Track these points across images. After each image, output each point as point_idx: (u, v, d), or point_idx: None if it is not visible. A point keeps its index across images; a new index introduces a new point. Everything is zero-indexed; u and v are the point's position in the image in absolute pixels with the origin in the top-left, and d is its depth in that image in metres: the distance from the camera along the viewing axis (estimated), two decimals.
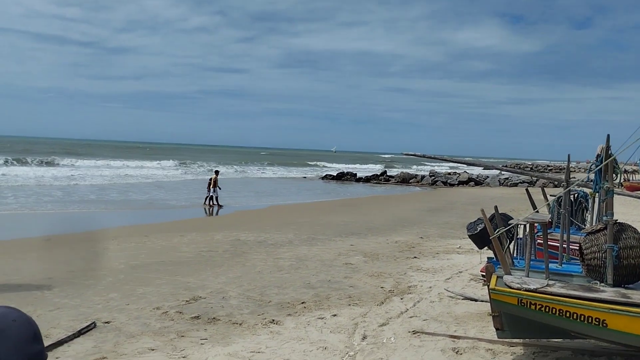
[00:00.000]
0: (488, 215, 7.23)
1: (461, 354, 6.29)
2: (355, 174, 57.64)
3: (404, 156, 11.61)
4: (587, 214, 10.32)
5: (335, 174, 57.10)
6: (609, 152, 6.46)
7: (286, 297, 8.97)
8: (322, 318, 7.79)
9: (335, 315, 7.95)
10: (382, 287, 9.71)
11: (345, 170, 60.68)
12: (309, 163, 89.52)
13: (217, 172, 27.84)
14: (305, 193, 36.33)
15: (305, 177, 57.92)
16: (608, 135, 6.45)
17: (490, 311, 6.05)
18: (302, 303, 8.63)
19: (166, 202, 26.55)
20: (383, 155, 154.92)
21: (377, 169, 73.56)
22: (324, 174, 59.69)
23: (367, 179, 54.14)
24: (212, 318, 7.78)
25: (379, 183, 51.88)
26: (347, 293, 9.29)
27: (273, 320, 7.67)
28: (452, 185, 49.45)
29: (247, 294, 9.11)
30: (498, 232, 6.10)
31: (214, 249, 13.51)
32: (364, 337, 6.93)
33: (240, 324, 7.52)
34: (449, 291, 9.22)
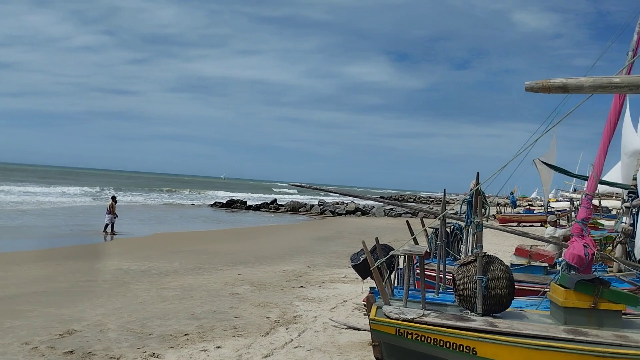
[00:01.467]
0: (370, 246, 7.49)
1: None
2: (245, 201, 57.43)
3: (298, 187, 11.76)
4: (462, 245, 10.92)
5: (224, 202, 56.56)
6: (479, 188, 6.95)
7: (169, 329, 8.71)
8: (206, 350, 7.64)
9: (219, 347, 7.83)
10: (267, 317, 9.69)
11: (235, 198, 60.28)
12: (199, 190, 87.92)
13: (114, 198, 26.64)
14: (193, 221, 35.64)
15: (193, 204, 56.84)
16: (478, 173, 6.95)
17: (371, 341, 6.21)
18: (185, 335, 8.42)
19: (45, 229, 24.98)
20: (274, 184, 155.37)
21: (267, 197, 73.69)
22: (213, 202, 58.86)
23: (257, 207, 54.10)
24: (88, 353, 7.39)
25: (269, 211, 51.98)
26: (233, 324, 9.19)
27: (153, 353, 7.43)
28: (340, 214, 50.52)
29: (127, 326, 8.76)
30: (377, 263, 6.33)
31: (93, 278, 12.89)
32: None
33: (118, 359, 7.20)
34: (333, 321, 9.38)
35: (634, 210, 10.80)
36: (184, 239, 24.05)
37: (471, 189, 7.40)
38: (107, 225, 24.82)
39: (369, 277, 8.89)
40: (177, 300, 10.95)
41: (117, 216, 25.21)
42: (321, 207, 53.49)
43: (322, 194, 79.65)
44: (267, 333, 8.66)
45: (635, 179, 10.98)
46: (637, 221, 10.54)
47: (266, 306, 10.60)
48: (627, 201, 11.26)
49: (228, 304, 10.73)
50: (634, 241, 10.40)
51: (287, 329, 8.94)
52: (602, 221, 23.44)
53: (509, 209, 44.21)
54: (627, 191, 11.78)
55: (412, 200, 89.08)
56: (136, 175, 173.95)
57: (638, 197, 10.51)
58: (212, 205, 55.18)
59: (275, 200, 59.63)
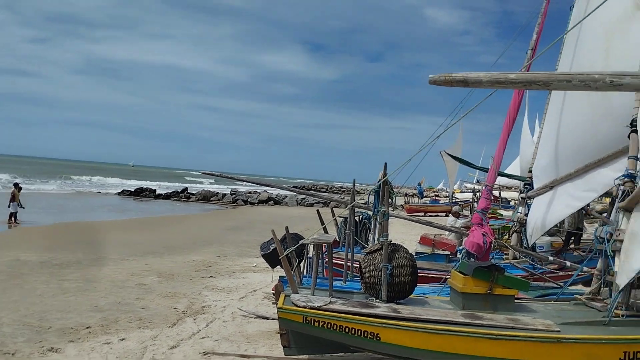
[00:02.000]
0: (281, 235, 7.53)
1: None
2: (155, 190, 55.97)
3: (209, 175, 11.62)
4: (370, 234, 11.18)
5: (133, 190, 54.82)
6: (386, 179, 7.14)
7: (69, 322, 8.37)
8: (109, 343, 7.42)
9: (123, 339, 7.62)
10: (175, 308, 9.53)
11: (144, 186, 58.57)
12: (106, 177, 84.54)
13: (16, 186, 25.12)
14: (99, 210, 34.33)
15: (99, 192, 54.76)
16: (385, 164, 7.14)
17: (279, 329, 6.26)
18: (87, 328, 8.13)
19: None
20: (189, 172, 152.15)
21: (177, 185, 72.04)
22: (120, 190, 56.89)
23: (168, 196, 52.85)
24: None
25: (179, 200, 50.91)
26: (138, 315, 8.96)
27: (52, 348, 7.12)
28: (252, 204, 50.29)
29: (24, 320, 8.34)
30: (286, 252, 6.38)
31: None
32: None
33: (12, 354, 6.84)
34: (242, 310, 9.35)
35: (528, 201, 11.46)
36: (88, 228, 23.09)
37: (379, 180, 7.59)
38: (11, 214, 23.62)
39: (279, 266, 8.95)
40: (80, 292, 10.53)
41: (23, 206, 23.95)
42: (233, 196, 52.99)
43: (236, 183, 78.94)
44: (174, 324, 8.51)
45: (530, 171, 11.64)
46: (530, 211, 11.21)
47: (174, 297, 10.41)
48: (523, 192, 11.94)
49: (134, 295, 10.45)
50: (527, 230, 11.06)
51: (194, 319, 8.83)
52: (501, 211, 24.72)
53: (416, 200, 45.72)
54: (523, 183, 12.48)
55: (325, 190, 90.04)
56: (38, 161, 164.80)
57: (532, 188, 11.16)
58: (119, 194, 53.32)
59: (186, 188, 58.46)
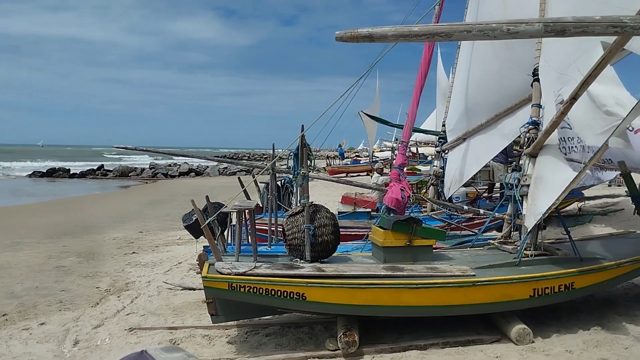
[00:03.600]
0: (202, 206, 7.44)
1: (178, 344, 6.35)
2: (69, 169, 53.66)
3: (123, 149, 11.26)
4: (292, 198, 11.24)
5: (45, 171, 52.33)
6: (304, 141, 7.17)
7: None
8: (28, 329, 7.15)
9: (43, 323, 7.36)
10: (97, 287, 9.29)
11: (57, 166, 56.05)
12: (13, 158, 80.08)
13: None
14: (9, 194, 32.61)
15: (8, 176, 51.96)
16: (302, 126, 7.15)
17: (205, 298, 6.24)
18: (4, 315, 7.79)
19: None
20: (100, 149, 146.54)
21: (93, 163, 69.37)
22: (31, 171, 54.16)
23: (83, 174, 50.86)
24: None
25: (96, 178, 49.13)
26: (58, 298, 8.67)
27: None
28: (173, 176, 49.29)
29: None
30: (207, 221, 6.33)
31: None
32: (76, 343, 6.56)
33: None
34: (167, 283, 9.23)
35: (444, 154, 11.84)
36: None
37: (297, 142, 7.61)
38: None
39: (202, 237, 8.87)
40: None
41: None
42: (153, 170, 51.70)
43: (155, 157, 76.85)
44: (97, 303, 8.30)
45: (444, 125, 12.00)
46: (446, 164, 11.60)
47: (95, 276, 10.13)
48: (438, 146, 12.32)
49: (52, 278, 10.09)
50: (445, 183, 11.46)
51: (118, 297, 8.64)
52: (419, 167, 25.43)
53: (337, 161, 46.27)
54: (437, 137, 12.88)
55: (247, 158, 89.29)
56: None
57: (446, 142, 11.54)
58: (30, 176, 50.75)
59: (102, 166, 56.39)
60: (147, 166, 54.90)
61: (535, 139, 6.86)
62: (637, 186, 7.84)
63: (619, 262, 6.58)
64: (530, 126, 7.13)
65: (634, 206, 8.03)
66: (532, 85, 7.49)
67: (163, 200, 26.33)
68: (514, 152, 12.69)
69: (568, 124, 9.11)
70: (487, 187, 15.23)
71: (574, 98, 5.81)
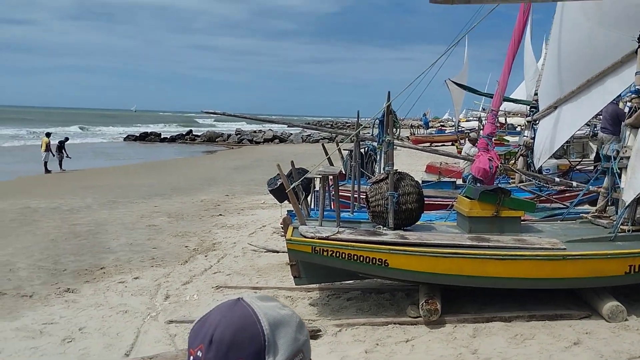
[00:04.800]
0: (287, 171, 7.55)
1: None
2: (160, 134, 55.91)
3: (211, 115, 11.57)
4: (376, 166, 11.18)
5: (138, 135, 54.78)
6: (390, 108, 7.06)
7: (83, 264, 8.53)
8: (123, 282, 7.57)
9: (137, 278, 7.77)
10: (186, 247, 9.68)
11: (149, 130, 58.51)
12: (110, 123, 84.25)
13: (48, 135, 25.47)
14: (105, 155, 34.42)
15: (104, 140, 54.74)
16: (389, 92, 7.04)
17: (289, 260, 6.35)
18: (102, 269, 8.29)
19: None
20: (188, 114, 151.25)
21: (182, 128, 71.82)
22: (126, 135, 56.84)
23: (173, 139, 52.83)
24: None
25: (184, 143, 50.89)
26: (150, 255, 9.11)
27: (68, 289, 7.27)
28: (258, 142, 50.21)
29: (39, 264, 8.49)
30: (292, 185, 6.40)
31: None
32: (167, 297, 6.90)
33: (30, 296, 7.00)
34: (252, 245, 9.49)
35: (534, 124, 11.36)
36: (95, 174, 23.24)
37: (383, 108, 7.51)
38: (60, 161, 24.82)
39: (286, 201, 9.03)
40: (92, 235, 10.68)
41: (69, 156, 25.22)
42: (238, 136, 52.88)
43: (240, 122, 78.54)
44: (186, 261, 8.66)
45: (536, 94, 11.48)
46: (536, 135, 11.12)
47: (184, 236, 10.55)
48: (529, 116, 11.82)
49: (145, 236, 10.60)
50: (534, 153, 11.00)
51: (206, 256, 8.97)
52: (507, 137, 24.57)
53: (422, 131, 45.49)
54: (529, 106, 12.35)
55: (330, 126, 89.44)
56: (42, 110, 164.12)
57: (538, 111, 11.04)
58: (125, 139, 53.30)
59: (190, 131, 58.31)
60: (234, 132, 56.19)
61: (638, 108, 6.43)
62: None
63: None
64: (633, 95, 6.68)
65: None
66: (636, 51, 6.99)
67: (248, 165, 26.92)
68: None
69: None
70: (580, 159, 14.54)
71: None
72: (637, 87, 6.66)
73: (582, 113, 9.59)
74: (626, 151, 6.34)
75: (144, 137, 53.06)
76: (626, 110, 6.80)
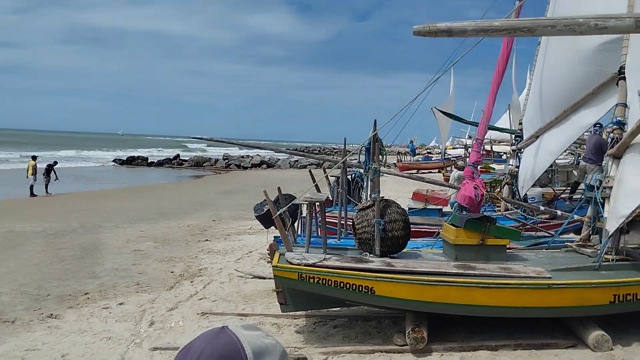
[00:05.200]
0: (274, 197, 7.56)
1: None
2: (147, 157, 55.75)
3: (199, 140, 11.61)
4: (362, 193, 11.22)
5: (125, 159, 54.59)
6: (376, 136, 7.14)
7: (67, 289, 8.44)
8: (107, 308, 7.49)
9: (121, 303, 7.70)
10: (172, 272, 9.61)
11: (136, 154, 58.34)
12: (96, 147, 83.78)
13: (34, 158, 25.22)
14: (92, 179, 34.21)
15: (90, 164, 54.41)
16: (375, 121, 7.12)
17: (275, 287, 6.34)
18: (86, 294, 8.20)
19: None
20: (177, 139, 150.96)
21: (170, 152, 71.61)
22: (112, 159, 56.60)
23: (160, 163, 52.69)
24: None
25: (172, 167, 50.77)
26: (136, 280, 9.03)
27: (52, 314, 7.18)
28: (245, 168, 50.22)
29: (22, 289, 8.39)
30: (279, 212, 6.42)
31: None
32: (152, 323, 6.83)
33: (12, 322, 6.90)
34: (238, 271, 9.44)
35: (519, 153, 11.50)
36: (82, 198, 23.08)
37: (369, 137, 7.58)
38: (46, 185, 24.84)
39: (273, 227, 9.02)
40: (76, 260, 10.58)
41: (57, 178, 25.19)
42: (226, 161, 52.86)
43: (228, 147, 78.46)
44: (172, 287, 8.59)
45: (521, 123, 11.65)
46: (521, 163, 11.26)
47: (170, 261, 10.49)
48: (514, 144, 11.98)
49: (130, 260, 10.52)
50: (519, 182, 11.14)
51: (192, 282, 8.92)
52: (493, 165, 24.80)
53: (408, 157, 45.79)
54: (513, 135, 12.51)
55: (318, 152, 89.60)
56: (29, 133, 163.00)
57: (522, 140, 11.19)
58: (112, 162, 53.06)
59: (178, 155, 58.23)
60: (221, 157, 56.16)
61: (620, 139, 6.56)
62: None
63: None
64: (615, 126, 6.82)
65: None
66: (617, 83, 7.17)
67: (235, 190, 26.88)
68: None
69: None
70: (565, 187, 14.69)
71: None
72: (618, 118, 6.81)
73: (559, 142, 9.85)
74: (609, 181, 6.43)
75: (130, 161, 52.90)
76: (609, 140, 6.91)
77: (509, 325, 6.20)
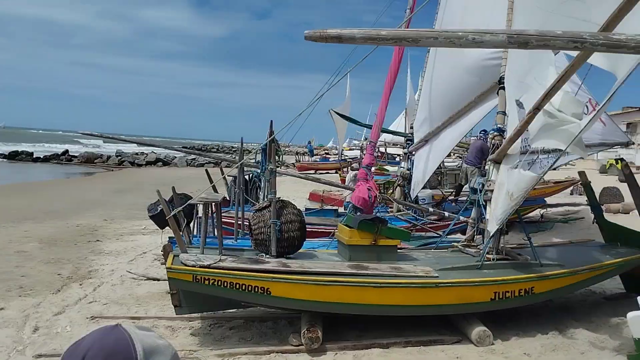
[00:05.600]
0: (169, 196, 7.42)
1: None
2: (32, 153, 52.54)
3: (89, 135, 11.12)
4: (260, 193, 11.23)
5: (7, 153, 51.13)
6: (273, 137, 7.20)
7: None
8: None
9: (2, 309, 7.23)
10: (59, 274, 9.15)
11: (20, 149, 54.84)
12: None
13: None
14: None
15: None
16: (271, 122, 7.19)
17: (169, 289, 6.23)
18: None
19: None
20: (68, 133, 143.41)
21: (58, 147, 67.92)
22: None
23: (47, 159, 49.86)
24: None
25: (60, 163, 48.19)
26: (18, 283, 8.52)
27: None
28: (140, 165, 48.68)
29: None
30: (173, 212, 6.32)
31: None
32: (36, 329, 6.48)
33: None
34: (131, 273, 9.16)
35: (411, 156, 11.99)
36: None
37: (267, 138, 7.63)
38: None
39: (167, 227, 8.84)
40: None
41: None
42: (119, 157, 50.98)
43: (121, 144, 75.64)
44: (59, 290, 8.19)
45: (412, 127, 12.14)
46: (413, 166, 11.75)
47: (57, 263, 9.98)
48: (406, 148, 12.47)
49: (13, 263, 9.90)
50: (411, 184, 11.61)
51: (81, 284, 8.54)
52: (387, 167, 25.62)
53: (307, 158, 46.32)
54: (405, 138, 13.02)
55: (216, 150, 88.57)
56: None
57: (413, 143, 11.68)
58: None
59: (67, 151, 55.35)
60: (114, 154, 54.05)
61: (500, 145, 7.02)
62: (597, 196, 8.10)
63: (577, 269, 6.79)
64: (495, 133, 7.29)
65: (593, 215, 8.28)
66: (497, 92, 7.67)
67: (129, 189, 26.00)
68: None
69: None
70: (453, 189, 15.46)
71: (537, 109, 5.95)
72: (498, 125, 7.29)
73: (444, 146, 10.47)
74: (490, 185, 6.87)
75: (13, 156, 49.63)
76: (490, 146, 7.38)
77: (400, 323, 6.46)
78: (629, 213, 12.17)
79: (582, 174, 8.19)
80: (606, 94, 5.71)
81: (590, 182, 8.17)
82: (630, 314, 3.85)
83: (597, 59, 5.90)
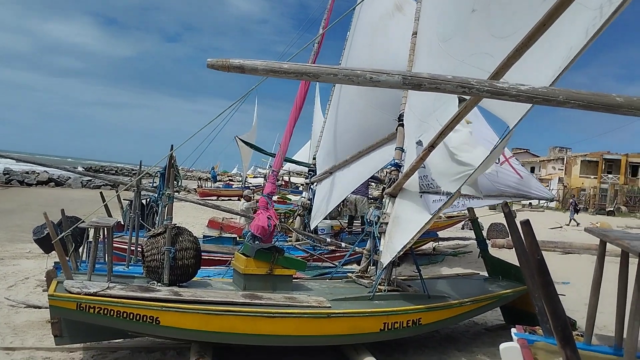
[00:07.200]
0: (58, 219, 7.05)
1: None
2: None
3: None
4: (157, 218, 10.92)
5: None
6: (173, 161, 7.06)
7: None
8: None
9: None
10: None
11: None
12: None
13: None
14: None
15: None
16: (172, 145, 7.04)
17: (50, 318, 5.86)
18: None
19: None
20: None
21: None
22: None
23: None
24: None
25: None
26: None
27: None
28: (30, 185, 45.96)
29: None
30: (60, 236, 6.00)
31: None
32: None
33: None
34: (9, 299, 8.56)
35: (312, 186, 12.13)
36: None
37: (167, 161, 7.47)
38: None
39: (54, 252, 8.36)
40: None
41: None
42: (7, 176, 47.84)
43: (11, 161, 71.13)
44: None
45: (314, 157, 12.32)
46: (314, 196, 11.89)
47: None
48: (307, 178, 12.61)
49: None
50: (312, 214, 11.73)
51: None
52: (290, 196, 25.75)
53: (209, 184, 45.69)
54: (307, 169, 13.18)
55: (115, 172, 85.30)
56: None
57: (316, 174, 11.85)
58: None
59: None
60: (1, 171, 50.71)
61: (396, 180, 7.27)
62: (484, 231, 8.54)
63: (462, 301, 7.09)
64: (393, 167, 7.55)
65: (479, 250, 8.72)
66: (397, 129, 7.97)
67: (14, 210, 24.44)
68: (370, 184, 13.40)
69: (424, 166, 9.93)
70: (353, 219, 15.75)
71: (432, 146, 6.23)
72: (396, 160, 7.55)
73: (352, 180, 10.66)
74: (385, 217, 7.07)
75: None
76: (386, 180, 7.61)
77: (291, 353, 6.44)
78: (511, 248, 12.91)
79: (470, 210, 8.62)
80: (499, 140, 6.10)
81: (477, 217, 8.62)
82: (502, 345, 4.06)
83: (494, 107, 6.32)
